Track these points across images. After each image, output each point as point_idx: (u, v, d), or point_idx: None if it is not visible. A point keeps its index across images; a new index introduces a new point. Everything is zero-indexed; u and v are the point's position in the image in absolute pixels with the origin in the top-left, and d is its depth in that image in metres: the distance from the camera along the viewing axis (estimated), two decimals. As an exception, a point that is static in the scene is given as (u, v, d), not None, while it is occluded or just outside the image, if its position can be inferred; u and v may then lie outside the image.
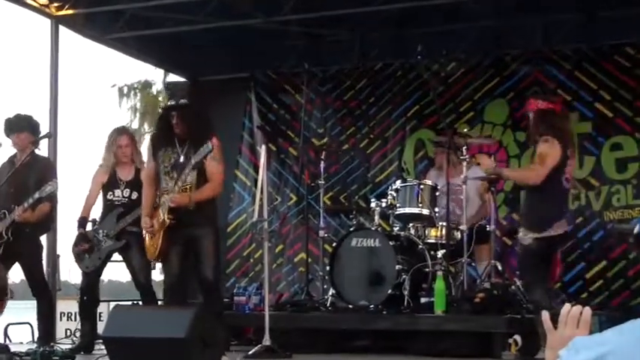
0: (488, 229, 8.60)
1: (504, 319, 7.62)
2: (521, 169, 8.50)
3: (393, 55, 11.14)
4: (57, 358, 7.45)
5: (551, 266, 8.16)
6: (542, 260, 7.49)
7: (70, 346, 8.37)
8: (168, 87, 8.22)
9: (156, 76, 20.22)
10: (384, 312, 8.30)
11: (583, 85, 10.31)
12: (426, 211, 8.74)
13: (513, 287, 8.09)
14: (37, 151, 8.49)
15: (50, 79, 10.36)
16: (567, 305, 2.52)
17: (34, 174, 8.28)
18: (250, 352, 7.42)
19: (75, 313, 9.75)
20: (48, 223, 8.63)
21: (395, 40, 11.00)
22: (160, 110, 8.17)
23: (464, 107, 10.79)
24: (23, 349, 7.88)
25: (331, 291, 8.71)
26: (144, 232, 7.70)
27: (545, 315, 2.54)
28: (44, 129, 9.14)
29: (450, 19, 10.54)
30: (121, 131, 8.84)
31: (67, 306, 10.46)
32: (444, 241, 8.59)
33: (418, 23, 10.59)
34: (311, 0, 10.27)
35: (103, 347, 7.09)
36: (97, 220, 8.51)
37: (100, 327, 8.16)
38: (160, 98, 16.41)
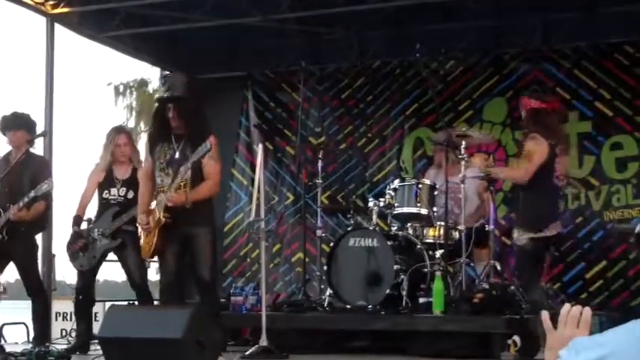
0: (487, 228, 8.57)
1: (503, 319, 7.58)
2: (509, 168, 8.47)
3: (392, 53, 11.10)
4: (52, 358, 7.41)
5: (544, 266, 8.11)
6: (538, 260, 7.44)
7: (65, 347, 8.33)
8: (165, 79, 8.10)
9: (152, 74, 20.21)
10: (382, 312, 8.27)
11: (582, 84, 10.28)
12: (424, 211, 8.71)
13: (512, 287, 8.04)
14: (32, 150, 8.43)
15: (46, 78, 10.31)
16: (567, 305, 2.49)
17: (29, 173, 8.23)
18: (247, 353, 7.40)
19: (70, 313, 9.68)
20: (43, 222, 8.58)
21: (393, 39, 10.96)
22: (155, 103, 8.06)
23: (463, 106, 10.77)
24: (18, 349, 7.83)
25: (329, 291, 8.67)
26: (139, 230, 7.64)
27: (545, 315, 2.51)
28: (40, 127, 9.08)
29: (449, 17, 10.50)
30: (120, 130, 8.79)
31: (62, 306, 10.41)
32: (442, 241, 8.56)
33: (417, 21, 10.55)
34: (308, -2, 10.24)
35: (98, 347, 7.07)
36: (93, 218, 8.45)
37: (96, 327, 8.13)
38: (156, 96, 16.33)
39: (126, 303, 9.38)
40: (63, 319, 10.53)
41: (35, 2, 10.19)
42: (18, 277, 8.43)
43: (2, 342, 9.19)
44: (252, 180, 10.24)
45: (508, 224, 9.64)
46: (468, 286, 8.39)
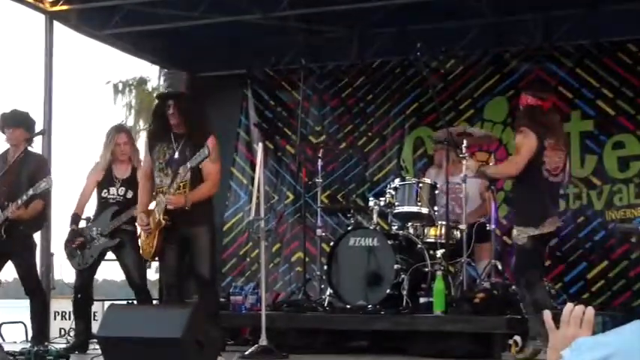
0: (488, 227, 8.55)
1: (504, 319, 7.57)
2: (500, 165, 8.40)
3: (392, 51, 11.04)
4: (51, 357, 7.40)
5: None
6: (539, 259, 7.39)
7: (64, 346, 8.31)
8: (167, 76, 8.05)
9: (151, 72, 20.14)
10: (383, 312, 8.26)
11: (585, 83, 10.22)
12: (425, 210, 8.70)
13: (514, 287, 8.00)
14: (30, 148, 8.38)
15: (44, 76, 10.28)
16: (570, 305, 2.47)
17: (28, 171, 8.19)
18: (247, 353, 7.40)
19: (69, 312, 9.66)
20: (41, 221, 8.54)
21: (394, 37, 10.91)
22: (155, 99, 8.02)
23: (463, 105, 10.72)
24: (17, 348, 7.83)
25: (329, 291, 8.67)
26: (138, 230, 7.61)
27: (547, 314, 2.50)
28: (38, 126, 9.04)
29: (450, 16, 10.45)
30: (120, 129, 8.76)
31: (61, 305, 10.38)
32: (443, 241, 8.55)
33: (417, 20, 10.50)
34: (309, -4, 10.20)
35: (97, 347, 7.05)
36: (91, 217, 8.41)
37: (95, 326, 8.11)
38: (155, 94, 16.30)
39: (125, 302, 9.33)
40: (62, 319, 10.50)
41: (34, 0, 10.15)
42: (16, 275, 8.39)
43: (1, 341, 9.15)
44: (252, 179, 10.19)
45: (509, 224, 9.55)
46: (469, 285, 8.39)
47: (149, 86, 20.96)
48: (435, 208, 8.72)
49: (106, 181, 8.35)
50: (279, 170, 11.49)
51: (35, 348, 7.49)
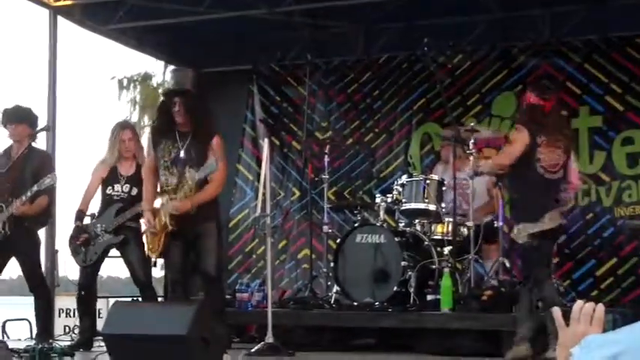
0: (495, 225, 8.50)
1: (512, 317, 7.51)
2: (492, 158, 8.31)
3: (399, 47, 10.98)
4: (56, 355, 7.37)
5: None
6: (544, 255, 7.33)
7: (68, 343, 8.26)
8: (174, 73, 8.02)
9: (156, 68, 20.12)
10: (390, 309, 8.26)
11: (593, 78, 10.15)
12: (432, 207, 8.69)
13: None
14: (34, 144, 8.34)
15: (49, 71, 10.23)
16: (580, 302, 2.45)
17: (32, 167, 8.16)
18: (253, 350, 7.41)
19: (74, 310, 9.64)
20: (46, 217, 8.51)
21: (400, 32, 10.85)
22: (161, 96, 7.97)
23: (471, 100, 10.66)
24: (21, 345, 7.80)
25: (335, 288, 8.66)
26: (143, 227, 7.56)
27: (557, 311, 2.48)
28: (42, 122, 9.01)
29: (457, 11, 10.38)
30: (125, 125, 8.72)
31: (65, 302, 10.35)
32: (450, 238, 8.51)
33: (424, 15, 10.44)
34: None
35: (102, 344, 7.02)
36: (95, 214, 8.36)
37: (100, 324, 8.07)
38: (160, 90, 16.28)
39: (130, 299, 9.28)
40: (66, 316, 10.48)
41: (38, -6, 10.12)
42: (20, 272, 8.36)
43: (5, 338, 9.12)
44: (258, 175, 10.16)
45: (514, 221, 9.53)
46: (476, 283, 8.39)
47: (154, 82, 20.98)
48: (443, 204, 8.68)
49: (111, 178, 8.31)
50: (285, 166, 11.43)
51: (40, 345, 7.46)
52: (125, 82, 21.54)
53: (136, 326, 6.26)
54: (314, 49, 10.63)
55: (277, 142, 11.35)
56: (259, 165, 10.40)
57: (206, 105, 7.74)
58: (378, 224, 8.67)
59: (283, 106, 11.61)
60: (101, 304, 9.53)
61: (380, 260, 8.45)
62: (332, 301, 8.62)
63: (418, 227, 8.73)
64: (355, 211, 9.34)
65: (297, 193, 11.32)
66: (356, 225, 8.94)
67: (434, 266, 8.39)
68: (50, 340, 8.14)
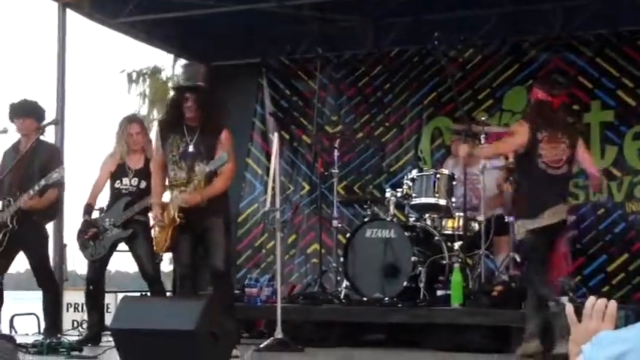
0: (506, 219, 8.47)
1: (522, 313, 7.48)
2: (493, 144, 8.22)
3: (409, 40, 10.93)
4: (64, 349, 7.38)
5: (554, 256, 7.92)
6: (542, 253, 7.27)
7: (77, 338, 8.26)
8: (185, 68, 7.96)
9: (165, 61, 20.14)
10: (399, 305, 8.26)
11: (605, 72, 10.08)
12: (442, 202, 8.67)
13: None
14: (42, 138, 8.31)
15: (57, 64, 10.20)
16: (592, 298, 2.43)
17: (40, 161, 8.14)
18: (262, 345, 7.40)
19: (82, 304, 9.62)
20: (54, 211, 8.51)
21: (411, 26, 10.81)
22: (171, 91, 7.93)
23: (482, 95, 10.61)
24: (29, 340, 7.82)
25: (345, 283, 8.65)
26: (151, 222, 7.53)
27: (570, 308, 2.47)
28: (51, 115, 9.01)
29: (468, 4, 10.33)
30: (132, 119, 8.70)
31: (73, 297, 10.32)
32: (461, 233, 8.48)
33: (435, 8, 10.39)
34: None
35: (110, 339, 6.99)
36: (104, 208, 8.34)
37: (108, 318, 8.06)
38: (170, 84, 16.26)
39: (138, 294, 9.26)
40: (74, 310, 10.45)
41: (47, -13, 10.09)
42: (29, 267, 8.34)
43: (13, 333, 9.11)
44: (268, 169, 10.11)
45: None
46: (487, 278, 8.37)
47: (163, 75, 20.94)
48: (453, 199, 8.65)
49: (119, 171, 8.29)
50: (294, 160, 11.39)
51: (48, 340, 7.49)
52: (134, 75, 21.51)
53: (144, 321, 6.24)
54: (323, 42, 10.58)
55: (287, 136, 11.31)
56: (269, 159, 10.35)
57: (217, 100, 7.70)
58: (388, 219, 8.65)
59: (293, 100, 11.57)
60: (109, 299, 9.51)
61: (390, 255, 8.43)
62: (341, 297, 8.61)
63: (428, 222, 8.71)
64: (365, 206, 9.33)
65: (307, 188, 11.29)
66: (366, 220, 8.91)
67: (444, 261, 8.37)
68: (58, 335, 8.16)
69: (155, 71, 21.26)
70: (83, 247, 8.28)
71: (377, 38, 11.21)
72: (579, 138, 7.43)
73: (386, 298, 8.30)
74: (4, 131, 8.27)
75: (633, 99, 9.94)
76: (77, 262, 9.02)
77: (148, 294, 8.39)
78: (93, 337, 8.22)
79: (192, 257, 7.28)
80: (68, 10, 10.28)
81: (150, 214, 7.75)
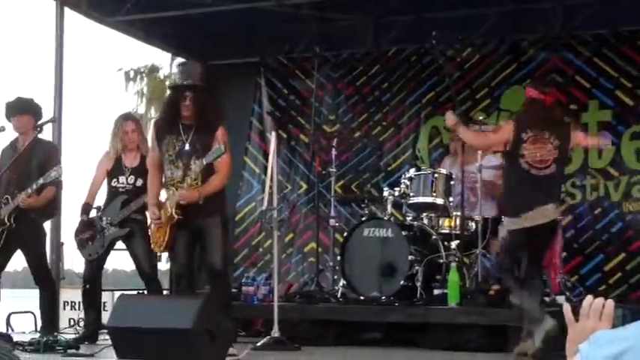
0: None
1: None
2: (473, 132, 8.15)
3: (408, 39, 10.92)
4: (60, 348, 7.34)
5: (548, 252, 7.88)
6: (515, 257, 7.24)
7: (73, 336, 8.24)
8: (182, 66, 7.94)
9: (163, 60, 20.08)
10: (396, 304, 8.26)
11: (603, 72, 10.09)
12: (440, 201, 8.66)
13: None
14: (40, 136, 8.30)
15: (55, 63, 10.19)
16: (589, 297, 2.42)
17: (38, 159, 8.14)
18: (258, 344, 7.39)
19: (79, 303, 9.61)
20: (52, 210, 8.50)
21: (409, 25, 10.79)
22: (169, 90, 7.92)
23: (480, 94, 10.61)
24: (26, 338, 7.79)
25: (342, 282, 8.64)
26: (149, 221, 7.53)
27: (567, 307, 2.45)
28: (49, 113, 8.99)
29: (466, 3, 10.33)
30: (127, 117, 8.67)
31: (70, 295, 10.32)
32: (458, 232, 8.47)
33: (433, 7, 10.38)
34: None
35: (107, 337, 6.98)
36: (101, 207, 8.33)
37: (105, 316, 8.05)
38: (167, 82, 16.27)
39: (135, 292, 9.26)
40: (71, 309, 10.44)
41: (45, -14, 10.09)
42: (26, 265, 8.32)
43: (10, 331, 9.09)
44: (265, 168, 10.12)
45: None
46: (483, 277, 8.38)
47: (161, 74, 20.96)
48: (450, 198, 8.65)
49: (116, 169, 8.27)
50: (292, 159, 11.39)
51: (45, 338, 7.45)
52: (132, 74, 21.54)
53: (141, 319, 6.25)
54: (322, 41, 10.56)
55: (285, 135, 11.31)
56: (266, 158, 10.36)
57: (213, 99, 7.70)
58: (385, 218, 8.64)
59: (291, 99, 11.56)
60: (106, 297, 9.51)
61: (387, 254, 8.42)
62: (338, 295, 8.61)
63: (425, 221, 8.71)
64: (362, 205, 9.33)
65: (305, 187, 11.28)
66: (363, 219, 8.91)
67: (441, 260, 8.37)
68: (55, 333, 8.12)
69: (153, 70, 21.29)
70: (81, 246, 8.27)
71: (376, 37, 11.21)
72: (570, 134, 7.33)
73: (383, 297, 8.30)
74: (2, 130, 8.26)
75: (631, 99, 9.94)
76: (74, 261, 9.03)
77: (145, 292, 8.38)
78: (90, 335, 8.20)
79: (189, 256, 7.27)
80: (66, 9, 10.28)
81: (147, 213, 7.74)
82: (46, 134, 8.69)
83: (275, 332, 7.41)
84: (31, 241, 8.21)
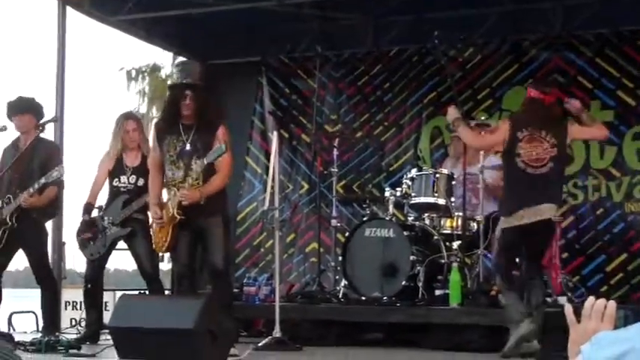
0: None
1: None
2: (472, 131, 8.14)
3: (409, 39, 10.91)
4: (62, 347, 7.34)
5: (547, 251, 7.87)
6: (509, 256, 7.24)
7: (75, 336, 8.23)
8: (181, 66, 7.94)
9: (165, 59, 20.09)
10: (398, 304, 8.26)
11: (604, 72, 10.08)
12: (441, 201, 8.66)
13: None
14: (42, 135, 8.30)
15: (57, 62, 10.20)
16: (591, 298, 2.42)
17: (39, 158, 8.13)
18: (260, 344, 7.38)
19: (80, 302, 9.61)
20: (54, 209, 8.49)
21: (410, 25, 10.79)
22: (169, 89, 7.90)
23: (482, 94, 10.60)
24: (27, 338, 7.77)
25: (343, 282, 8.64)
26: (150, 221, 7.52)
27: (569, 308, 2.45)
28: (50, 112, 8.98)
29: (466, 4, 10.33)
30: (128, 116, 8.67)
31: (72, 295, 10.32)
32: (459, 232, 8.47)
33: (435, 7, 10.38)
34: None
35: (109, 337, 6.98)
36: (103, 206, 8.32)
37: (106, 316, 8.04)
38: (169, 82, 16.30)
39: (137, 292, 9.26)
40: (73, 308, 10.45)
41: (47, -15, 10.08)
42: (27, 264, 8.32)
43: (11, 331, 9.10)
44: (267, 168, 10.11)
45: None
46: (485, 278, 8.36)
47: (162, 73, 20.98)
48: (452, 199, 8.65)
49: (117, 169, 8.26)
50: (294, 159, 11.38)
51: (46, 338, 7.44)
52: (134, 73, 21.57)
53: (142, 319, 6.24)
54: (323, 41, 10.56)
55: (286, 135, 11.30)
56: (268, 158, 10.36)
57: (213, 98, 7.69)
58: (386, 218, 8.64)
59: (292, 99, 11.56)
60: (108, 297, 9.50)
61: (388, 254, 8.42)
62: (340, 296, 8.61)
63: (427, 221, 8.71)
64: (364, 205, 9.32)
65: (306, 187, 11.28)
66: (364, 219, 8.91)
67: (443, 261, 8.37)
68: (57, 333, 8.12)
69: (154, 69, 21.31)
70: (82, 246, 8.27)
71: (377, 37, 11.20)
72: (567, 130, 7.30)
73: (384, 298, 8.29)
74: (3, 129, 8.25)
75: (633, 99, 9.93)
76: (76, 260, 9.03)
77: (147, 292, 8.37)
78: (91, 335, 8.20)
79: (191, 256, 7.26)
80: (68, 8, 10.28)
81: (148, 212, 7.73)
82: (48, 134, 8.71)
83: (276, 332, 7.40)
84: (33, 240, 8.21)
